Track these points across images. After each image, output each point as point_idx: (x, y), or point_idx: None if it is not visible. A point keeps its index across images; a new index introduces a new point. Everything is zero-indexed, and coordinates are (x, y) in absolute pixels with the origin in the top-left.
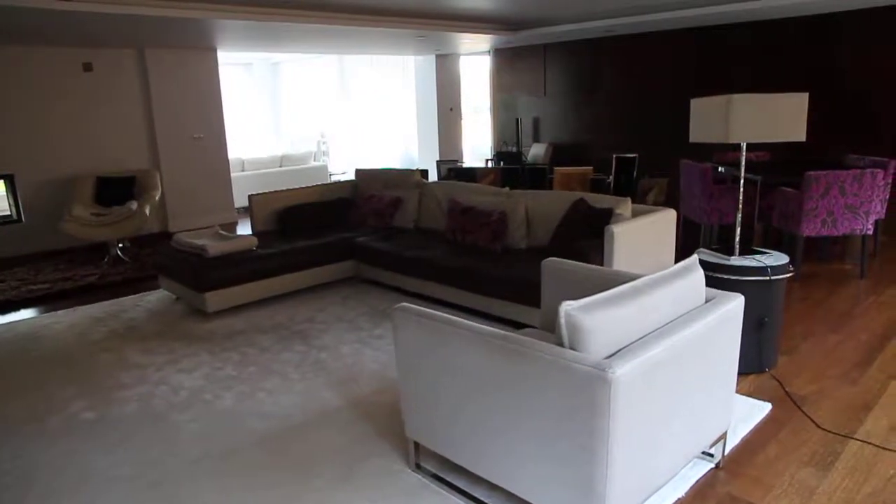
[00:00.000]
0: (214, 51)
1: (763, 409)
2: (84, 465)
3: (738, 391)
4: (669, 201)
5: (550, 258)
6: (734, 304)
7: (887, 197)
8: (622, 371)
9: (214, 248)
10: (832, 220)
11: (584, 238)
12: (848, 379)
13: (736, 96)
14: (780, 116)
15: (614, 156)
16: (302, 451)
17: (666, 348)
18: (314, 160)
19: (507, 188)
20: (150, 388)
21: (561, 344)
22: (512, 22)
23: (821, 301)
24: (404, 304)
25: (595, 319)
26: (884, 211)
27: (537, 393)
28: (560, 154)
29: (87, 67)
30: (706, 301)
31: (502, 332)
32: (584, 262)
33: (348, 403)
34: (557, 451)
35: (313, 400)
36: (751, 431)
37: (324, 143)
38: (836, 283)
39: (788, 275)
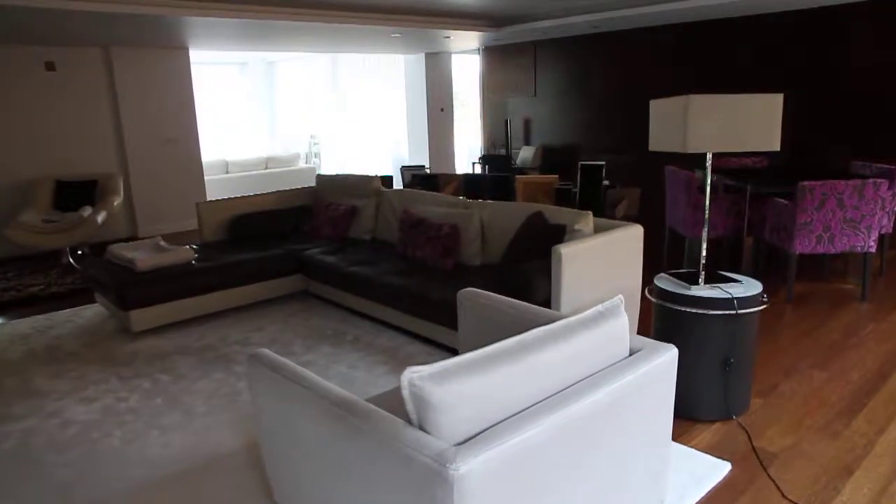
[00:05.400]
0: (186, 49)
1: (721, 469)
2: None
3: (695, 445)
4: (645, 214)
5: (468, 289)
6: (664, 359)
7: (895, 209)
8: (470, 466)
9: (144, 261)
10: (829, 236)
11: (537, 258)
12: (829, 431)
13: (696, 97)
14: (750, 121)
15: (580, 163)
16: None
17: (552, 426)
18: (305, 162)
19: (462, 198)
20: (40, 421)
21: (411, 422)
22: (492, 17)
23: (812, 328)
24: (260, 350)
25: (449, 391)
26: (890, 225)
27: (380, 484)
28: (551, 157)
29: (50, 67)
30: (631, 353)
31: (350, 398)
32: (528, 286)
33: (246, 446)
34: None
35: (209, 441)
36: (700, 501)
37: (315, 144)
38: (832, 307)
39: (761, 307)
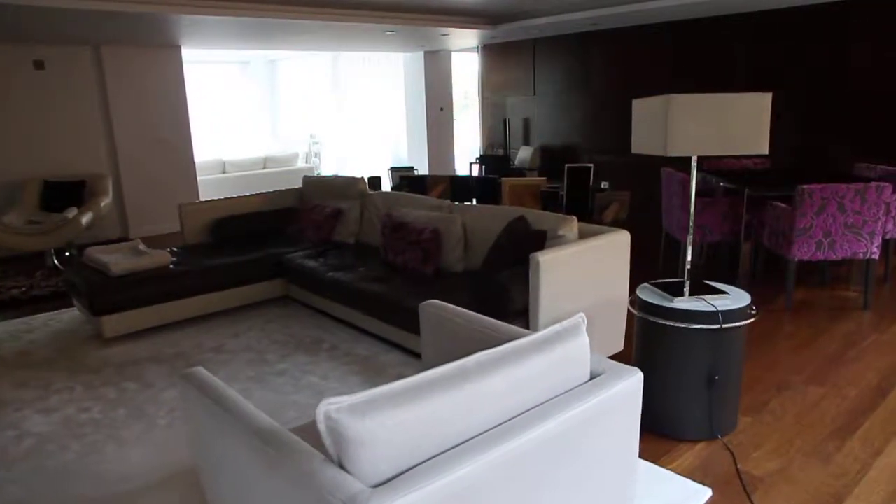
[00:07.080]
0: (178, 48)
1: (701, 496)
2: None
3: (675, 467)
4: (644, 217)
5: (430, 301)
6: (626, 384)
7: None
8: None
9: (119, 265)
10: (829, 242)
11: (516, 265)
12: (821, 453)
13: (677, 96)
14: (736, 123)
15: (566, 165)
16: None
17: (491, 462)
18: (305, 161)
19: (448, 201)
20: None
21: (330, 458)
22: (487, 15)
23: (810, 339)
24: (195, 369)
25: (371, 425)
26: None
27: None
28: (550, 157)
29: (39, 66)
30: (592, 377)
31: (271, 427)
32: (504, 296)
33: None
34: None
35: (166, 456)
36: None
37: (315, 143)
38: (833, 315)
39: (747, 322)
